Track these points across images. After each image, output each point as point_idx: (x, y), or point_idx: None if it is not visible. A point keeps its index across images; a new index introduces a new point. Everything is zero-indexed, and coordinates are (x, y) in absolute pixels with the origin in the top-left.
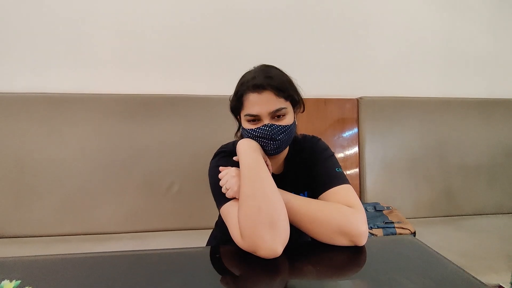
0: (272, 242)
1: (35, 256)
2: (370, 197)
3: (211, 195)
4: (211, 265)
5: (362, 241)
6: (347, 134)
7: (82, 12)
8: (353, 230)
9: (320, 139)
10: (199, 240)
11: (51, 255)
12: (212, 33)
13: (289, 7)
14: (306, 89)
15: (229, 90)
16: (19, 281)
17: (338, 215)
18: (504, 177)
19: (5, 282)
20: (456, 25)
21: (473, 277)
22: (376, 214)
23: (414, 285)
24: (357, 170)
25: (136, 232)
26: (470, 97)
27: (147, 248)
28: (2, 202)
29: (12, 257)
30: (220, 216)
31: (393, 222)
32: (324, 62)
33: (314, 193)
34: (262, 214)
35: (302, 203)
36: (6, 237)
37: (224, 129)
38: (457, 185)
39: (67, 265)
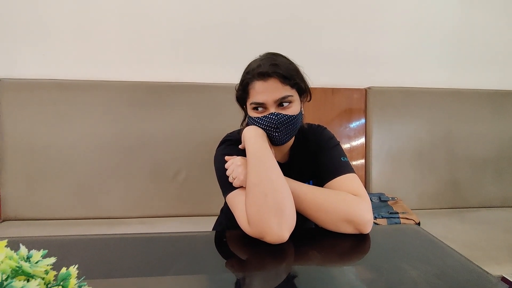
0: (278, 228)
1: (49, 236)
2: (375, 188)
3: (217, 182)
4: (217, 249)
5: (367, 229)
6: (354, 124)
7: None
8: (358, 218)
9: (325, 128)
10: (205, 226)
11: (65, 235)
12: (219, 21)
13: None
14: (314, 78)
15: (236, 78)
16: (46, 251)
17: (344, 203)
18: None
19: (34, 251)
20: (469, 14)
21: (478, 266)
22: (381, 205)
23: (417, 272)
24: (363, 161)
25: (144, 217)
26: (481, 88)
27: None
28: (16, 185)
29: (28, 236)
30: (225, 203)
31: (397, 213)
32: (332, 51)
33: (320, 182)
34: (269, 201)
35: (308, 191)
36: (19, 219)
37: (231, 118)
38: (463, 177)
39: (80, 245)
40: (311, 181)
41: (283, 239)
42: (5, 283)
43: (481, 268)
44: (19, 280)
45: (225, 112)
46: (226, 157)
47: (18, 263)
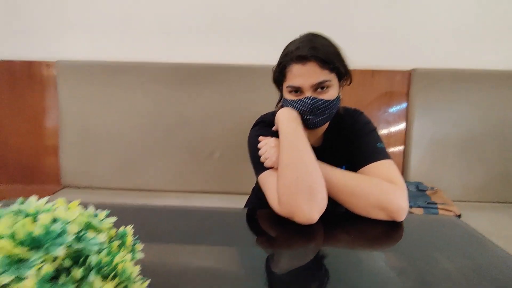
0: (309, 210)
1: (101, 202)
2: (414, 177)
3: (249, 163)
4: (248, 225)
5: (401, 216)
6: (394, 109)
7: None
8: (392, 205)
9: (362, 112)
10: (237, 203)
11: (114, 203)
12: (256, 1)
13: None
14: (352, 59)
15: (273, 59)
16: (108, 211)
17: (377, 189)
18: None
19: (99, 211)
20: None
21: None
22: (418, 194)
23: (452, 264)
24: (401, 148)
25: (180, 191)
26: None
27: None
28: (73, 158)
29: (85, 202)
30: (257, 182)
31: (436, 203)
32: (373, 30)
33: (354, 167)
34: (300, 183)
35: (341, 176)
36: (75, 187)
37: (266, 99)
38: None
39: (126, 212)
40: (344, 166)
41: (313, 220)
42: (80, 233)
43: None
44: (91, 232)
45: (260, 94)
46: (260, 138)
47: (89, 219)
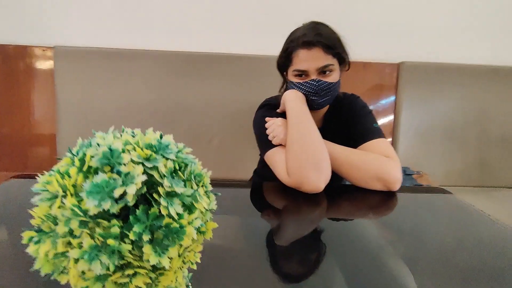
0: (316, 179)
1: None
2: (401, 163)
3: (248, 148)
4: (254, 197)
5: (397, 186)
6: (384, 101)
7: None
8: (389, 176)
9: (359, 97)
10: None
11: None
12: None
13: None
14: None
15: (271, 50)
16: None
17: (375, 162)
18: None
19: None
20: None
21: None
22: (405, 178)
23: (439, 228)
24: (390, 139)
25: None
26: None
27: None
28: (70, 145)
29: None
30: (259, 164)
31: (422, 185)
32: (364, 24)
33: (353, 145)
34: (308, 155)
35: (342, 151)
36: None
37: (264, 89)
38: (494, 156)
39: None
40: None
41: (319, 189)
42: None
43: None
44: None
45: (259, 83)
46: (267, 118)
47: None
